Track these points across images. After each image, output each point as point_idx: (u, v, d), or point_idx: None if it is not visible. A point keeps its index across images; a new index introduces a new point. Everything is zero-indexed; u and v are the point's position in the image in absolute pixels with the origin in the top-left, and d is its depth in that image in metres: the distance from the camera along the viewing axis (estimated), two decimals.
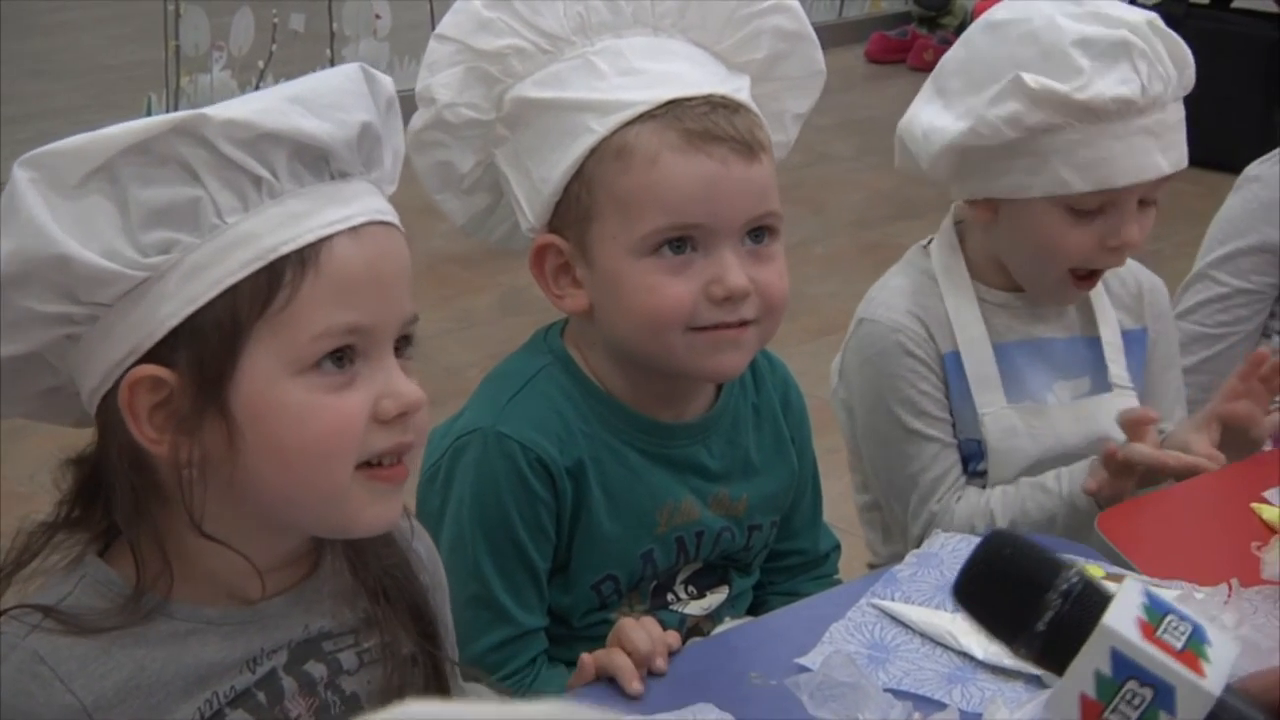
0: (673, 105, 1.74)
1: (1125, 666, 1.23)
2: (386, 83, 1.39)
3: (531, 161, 1.79)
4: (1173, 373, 2.33)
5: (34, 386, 1.37)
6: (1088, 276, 2.17)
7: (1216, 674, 1.23)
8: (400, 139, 1.42)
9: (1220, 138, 3.11)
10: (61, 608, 1.33)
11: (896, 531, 2.26)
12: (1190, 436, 2.12)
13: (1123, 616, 1.24)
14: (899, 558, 2.18)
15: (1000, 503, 2.15)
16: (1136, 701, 1.22)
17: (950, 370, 2.17)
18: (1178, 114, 2.13)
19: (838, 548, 2.07)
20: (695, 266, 1.74)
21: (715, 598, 1.92)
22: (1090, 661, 1.23)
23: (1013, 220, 2.16)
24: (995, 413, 2.16)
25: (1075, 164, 2.09)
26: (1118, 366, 2.23)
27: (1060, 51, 2.07)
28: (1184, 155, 2.13)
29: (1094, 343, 2.24)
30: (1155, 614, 1.25)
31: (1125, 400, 2.21)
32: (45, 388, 1.37)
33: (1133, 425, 2.08)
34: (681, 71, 1.78)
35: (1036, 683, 1.62)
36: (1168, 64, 2.09)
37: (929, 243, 2.26)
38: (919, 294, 2.19)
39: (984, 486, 2.18)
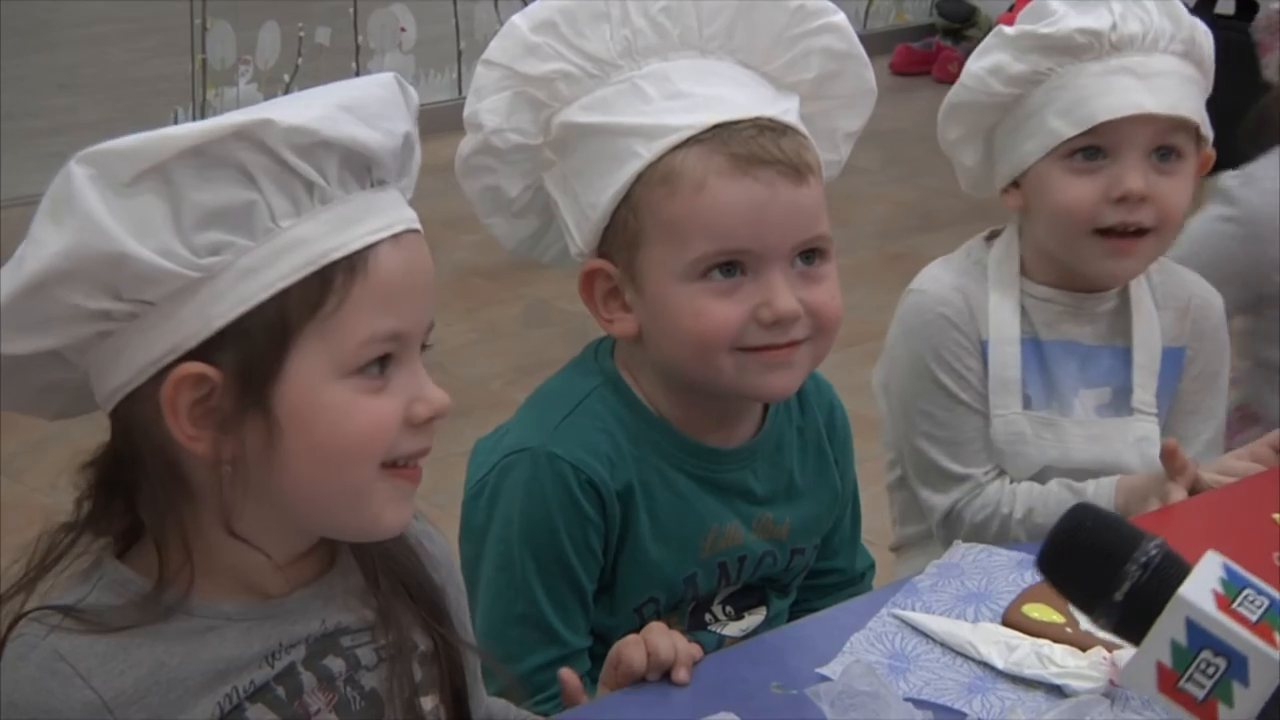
0: (719, 129, 1.73)
1: (1200, 636, 1.26)
2: (414, 93, 1.41)
3: (579, 186, 1.79)
4: (1211, 396, 2.29)
5: (36, 381, 1.37)
6: (1120, 238, 2.15)
7: None
8: (419, 149, 1.44)
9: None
10: (80, 607, 1.34)
11: (916, 510, 2.27)
12: (1235, 464, 2.12)
13: (1199, 588, 1.27)
14: (912, 540, 2.24)
15: (1026, 490, 2.16)
16: (1210, 671, 1.26)
17: (985, 357, 2.18)
18: (1171, 65, 2.13)
19: (873, 566, 2.07)
20: (744, 290, 1.73)
21: (753, 619, 1.92)
22: (1166, 631, 1.27)
23: (1033, 196, 2.19)
24: (1008, 416, 2.17)
25: (1060, 110, 2.13)
26: (1144, 391, 2.21)
27: (1042, 3, 2.16)
28: (1184, 104, 2.12)
29: (1124, 353, 2.23)
30: (1233, 587, 1.28)
31: (1145, 427, 2.19)
32: (46, 382, 1.37)
33: (1168, 459, 2.06)
34: (728, 94, 1.77)
35: (1057, 693, 1.63)
36: (1151, 10, 2.12)
37: (991, 235, 2.27)
38: (967, 279, 2.22)
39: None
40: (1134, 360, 2.22)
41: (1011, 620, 1.74)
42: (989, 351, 2.17)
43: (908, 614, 1.76)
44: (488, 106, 1.81)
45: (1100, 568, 1.31)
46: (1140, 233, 2.15)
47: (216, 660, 1.36)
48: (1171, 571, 1.29)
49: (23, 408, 1.41)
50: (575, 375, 1.87)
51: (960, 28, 7.32)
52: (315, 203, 1.32)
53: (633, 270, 1.77)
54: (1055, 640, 1.68)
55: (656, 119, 1.74)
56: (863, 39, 1.90)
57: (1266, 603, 1.28)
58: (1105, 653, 1.64)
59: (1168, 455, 2.05)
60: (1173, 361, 2.25)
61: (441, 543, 1.57)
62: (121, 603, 1.35)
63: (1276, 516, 1.96)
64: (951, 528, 2.17)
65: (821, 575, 2.00)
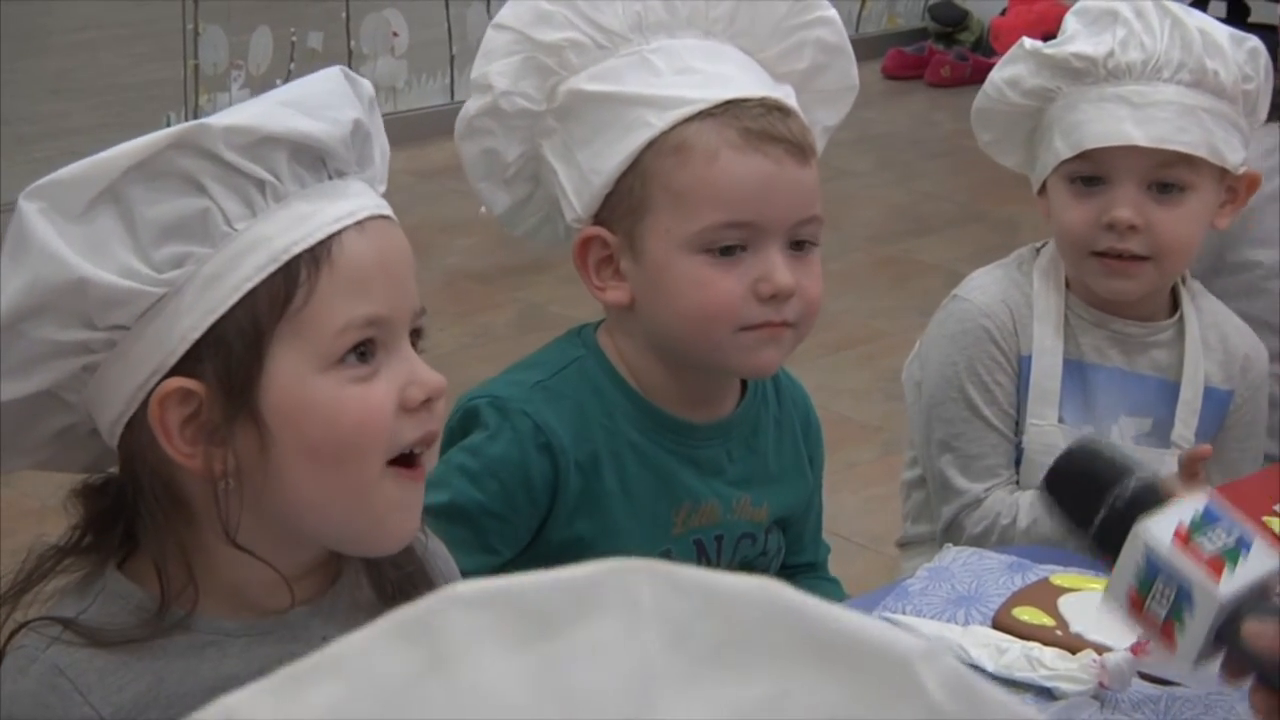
0: (731, 105, 1.77)
1: (1154, 566, 1.39)
2: (366, 84, 1.42)
3: (582, 154, 1.82)
4: (1251, 444, 2.29)
5: (46, 430, 1.37)
6: (1116, 259, 2.15)
7: (1235, 582, 1.37)
8: (384, 138, 1.44)
9: None
10: (81, 620, 1.34)
11: (929, 511, 2.27)
12: None
13: (1162, 522, 1.40)
14: (922, 539, 2.26)
15: (1029, 500, 2.15)
16: (1164, 598, 1.39)
17: (1023, 373, 2.19)
18: (1173, 95, 2.11)
19: (829, 551, 2.11)
20: (744, 264, 1.77)
21: None
22: (1132, 558, 1.40)
23: (1051, 209, 2.20)
24: (1043, 427, 2.17)
25: (1062, 130, 2.15)
26: (1185, 427, 2.21)
27: (1065, 21, 2.18)
28: (1181, 136, 2.10)
29: (1169, 387, 2.22)
30: (1203, 524, 1.39)
31: None
32: (58, 429, 1.37)
33: (1187, 464, 2.04)
34: (734, 74, 1.82)
35: (1047, 695, 1.63)
36: (1160, 38, 2.11)
37: (1043, 245, 2.27)
38: (1015, 290, 2.22)
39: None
40: (1180, 395, 2.22)
41: (1001, 623, 1.75)
42: (1031, 362, 2.18)
43: (898, 617, 1.77)
44: (498, 69, 1.84)
45: (1085, 496, 1.44)
46: (1137, 256, 2.15)
47: (216, 677, 1.35)
48: (1146, 504, 1.41)
49: (44, 462, 1.42)
50: (558, 347, 1.91)
51: (952, 32, 7.32)
52: (270, 201, 1.32)
53: (633, 237, 1.80)
54: (1045, 643, 1.69)
55: (668, 91, 1.78)
56: (855, 43, 1.93)
57: (1234, 540, 1.38)
58: (1095, 655, 1.64)
59: (1190, 461, 2.05)
60: (1218, 403, 2.24)
61: (449, 560, 1.57)
62: (123, 616, 1.35)
63: (1266, 519, 1.97)
64: (952, 537, 2.17)
65: (793, 570, 2.03)
